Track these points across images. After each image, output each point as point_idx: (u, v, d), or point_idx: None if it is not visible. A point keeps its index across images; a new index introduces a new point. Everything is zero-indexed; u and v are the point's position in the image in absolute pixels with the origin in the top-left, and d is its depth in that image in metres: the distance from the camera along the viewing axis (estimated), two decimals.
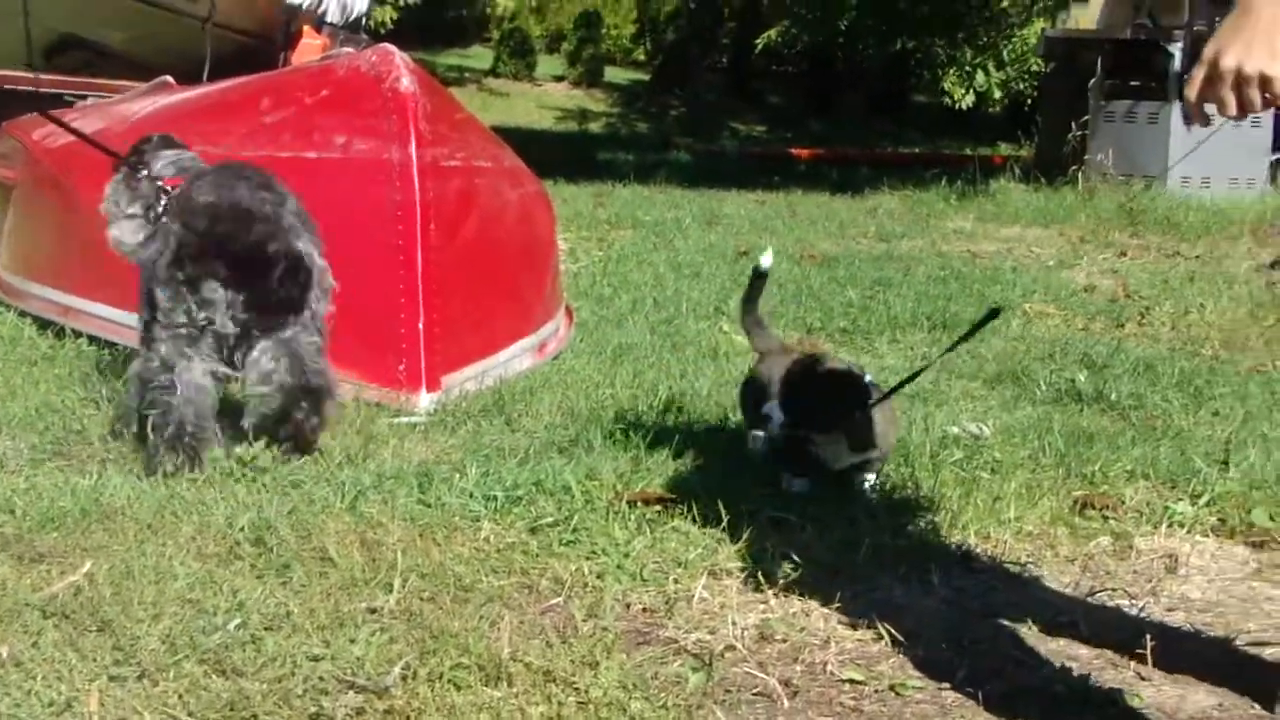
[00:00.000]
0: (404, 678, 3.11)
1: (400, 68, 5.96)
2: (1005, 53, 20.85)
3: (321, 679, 3.11)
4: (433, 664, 3.16)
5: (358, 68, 6.17)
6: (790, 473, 4.64)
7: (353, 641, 3.28)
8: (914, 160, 21.09)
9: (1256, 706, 3.30)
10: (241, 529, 3.95)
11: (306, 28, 12.93)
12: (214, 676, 3.10)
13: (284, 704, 3.00)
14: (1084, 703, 3.27)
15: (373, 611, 3.49)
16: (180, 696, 3.00)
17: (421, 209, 5.72)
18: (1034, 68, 20.70)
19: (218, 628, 3.30)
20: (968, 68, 20.11)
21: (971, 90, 20.31)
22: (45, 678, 3.05)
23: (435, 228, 5.75)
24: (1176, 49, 14.06)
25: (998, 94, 20.89)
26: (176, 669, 3.10)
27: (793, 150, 22.81)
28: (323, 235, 5.22)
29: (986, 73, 20.31)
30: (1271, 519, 4.58)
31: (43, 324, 6.45)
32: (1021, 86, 21.65)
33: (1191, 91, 2.73)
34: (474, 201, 6.16)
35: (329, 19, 13.52)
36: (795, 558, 4.02)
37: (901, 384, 4.71)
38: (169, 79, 7.71)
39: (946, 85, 20.54)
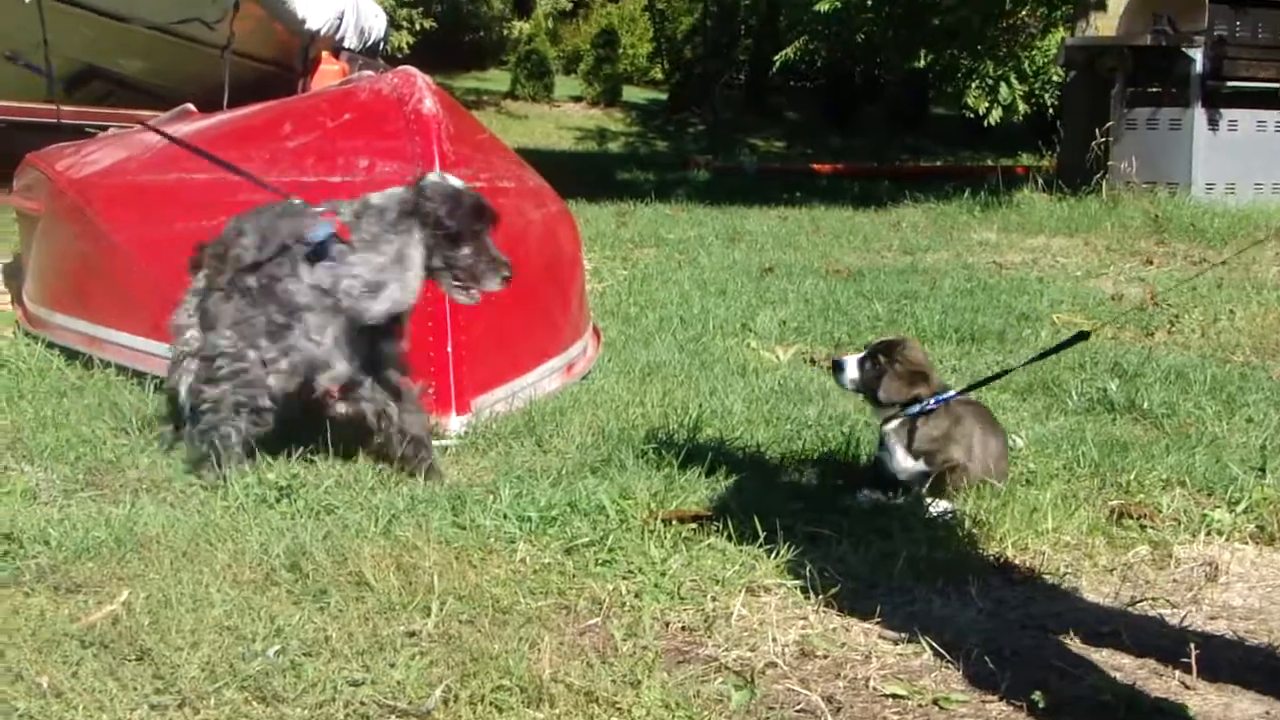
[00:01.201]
0: (445, 701, 3.10)
1: (422, 89, 5.96)
2: (1026, 64, 20.81)
3: (363, 704, 3.10)
4: (474, 686, 3.15)
5: (380, 90, 6.16)
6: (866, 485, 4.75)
7: (392, 666, 3.27)
8: (936, 173, 21.11)
9: None
10: (277, 555, 3.94)
11: (325, 53, 12.98)
12: (255, 704, 3.08)
13: None
14: (1130, 711, 3.24)
15: (411, 635, 3.48)
16: None
17: None
18: (1055, 78, 20.65)
19: (257, 654, 3.29)
20: (989, 80, 20.05)
21: (997, 104, 20.24)
22: (86, 708, 3.04)
23: None
24: (1197, 54, 14.04)
25: (1022, 106, 20.83)
26: (217, 696, 3.09)
27: (813, 165, 22.80)
28: None
29: (1009, 85, 20.25)
30: None
31: (71, 354, 6.46)
32: (1045, 98, 21.60)
33: None
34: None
35: (347, 44, 13.56)
36: (833, 572, 4.00)
37: (966, 389, 4.76)
38: (191, 107, 7.73)
39: (970, 99, 20.46)
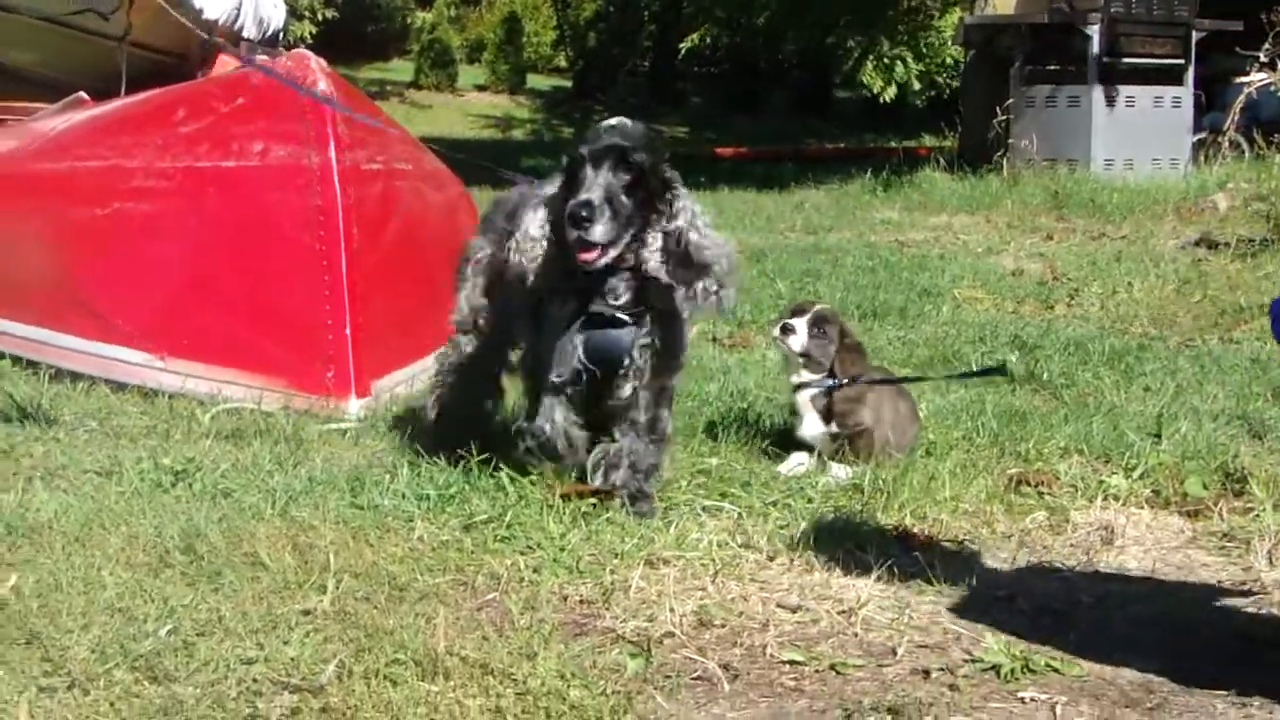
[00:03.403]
0: (339, 676, 3.07)
1: (316, 72, 5.90)
2: (922, 44, 20.88)
3: (255, 681, 3.07)
4: (368, 661, 3.12)
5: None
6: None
7: (286, 643, 3.24)
8: (839, 155, 21.16)
9: (1194, 671, 3.30)
10: (171, 538, 3.89)
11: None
12: (145, 683, 3.04)
13: (218, 707, 2.95)
14: (1026, 671, 3.26)
15: (306, 613, 3.45)
16: (112, 704, 2.94)
17: (343, 213, 5.67)
18: (948, 60, 20.76)
19: (148, 635, 3.25)
20: (885, 59, 20.10)
21: (892, 83, 20.32)
22: None
23: (358, 232, 5.71)
24: (1094, 32, 14.16)
25: (917, 85, 20.93)
26: (107, 677, 3.05)
27: (717, 150, 22.81)
28: (245, 245, 5.23)
29: (905, 64, 20.33)
30: (1205, 488, 4.61)
31: None
32: (940, 78, 21.70)
33: None
34: (396, 204, 6.11)
35: (246, 35, 13.41)
36: (732, 544, 4.00)
37: (879, 380, 4.83)
38: (83, 95, 7.61)
39: (865, 79, 20.53)
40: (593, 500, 4.24)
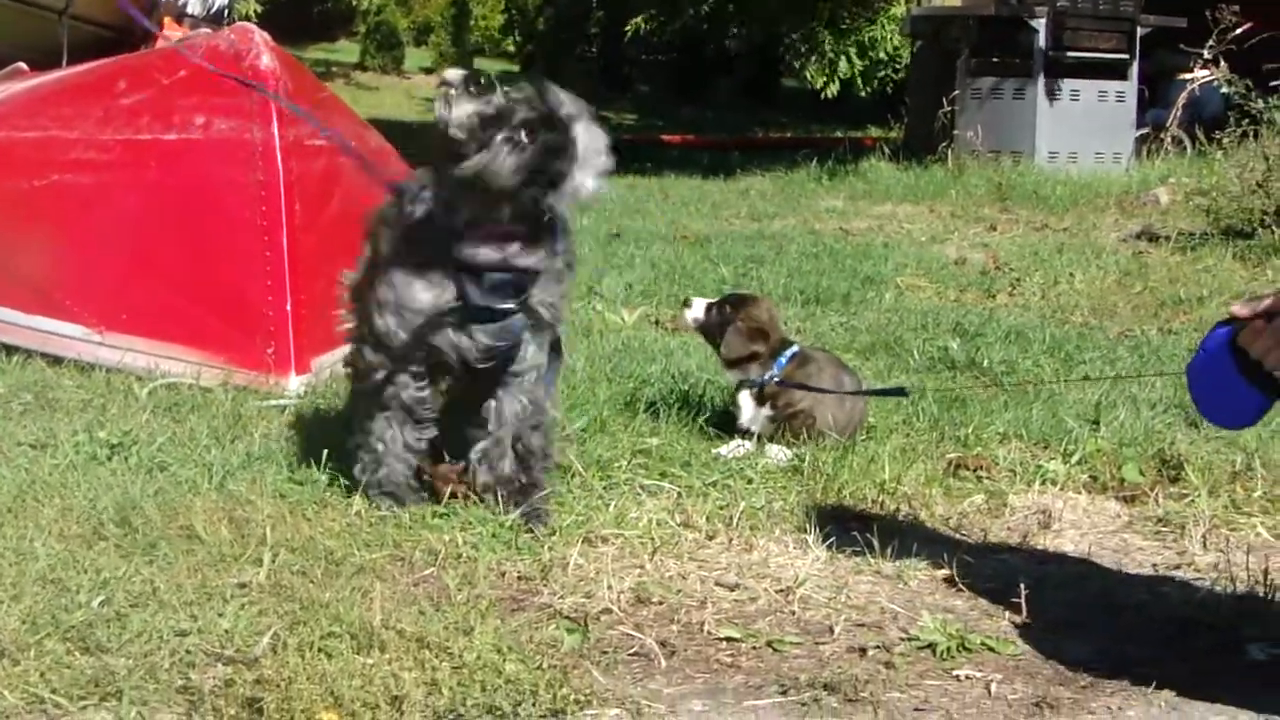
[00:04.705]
0: (273, 648, 3.05)
1: (260, 45, 5.83)
2: (866, 39, 20.88)
3: (189, 652, 3.04)
4: (303, 634, 3.10)
5: (216, 47, 6.03)
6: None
7: (221, 615, 3.21)
8: (785, 144, 21.17)
9: (1128, 652, 3.33)
10: (106, 510, 3.86)
11: (167, 20, 12.72)
12: (77, 654, 3.02)
13: (150, 678, 2.92)
14: (961, 650, 3.28)
15: (241, 586, 3.43)
16: (43, 674, 2.91)
17: (285, 188, 5.62)
18: (885, 56, 20.77)
19: (80, 605, 3.22)
20: (829, 56, 20.08)
21: (835, 79, 20.31)
22: None
23: (300, 207, 5.66)
24: (1040, 25, 14.24)
25: (861, 82, 20.94)
26: (38, 648, 3.02)
27: (664, 136, 22.79)
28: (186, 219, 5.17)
29: (850, 61, 20.33)
30: (1141, 474, 4.64)
31: None
32: (884, 73, 21.71)
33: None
34: (339, 180, 6.05)
35: (190, 11, 13.32)
36: (671, 523, 4.00)
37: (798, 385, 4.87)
38: (23, 66, 7.52)
39: (809, 75, 20.51)
40: None
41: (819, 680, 3.09)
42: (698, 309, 5.03)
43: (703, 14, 22.55)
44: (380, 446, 4.10)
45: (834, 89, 20.51)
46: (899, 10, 19.43)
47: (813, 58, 20.46)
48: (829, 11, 20.02)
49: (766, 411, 4.90)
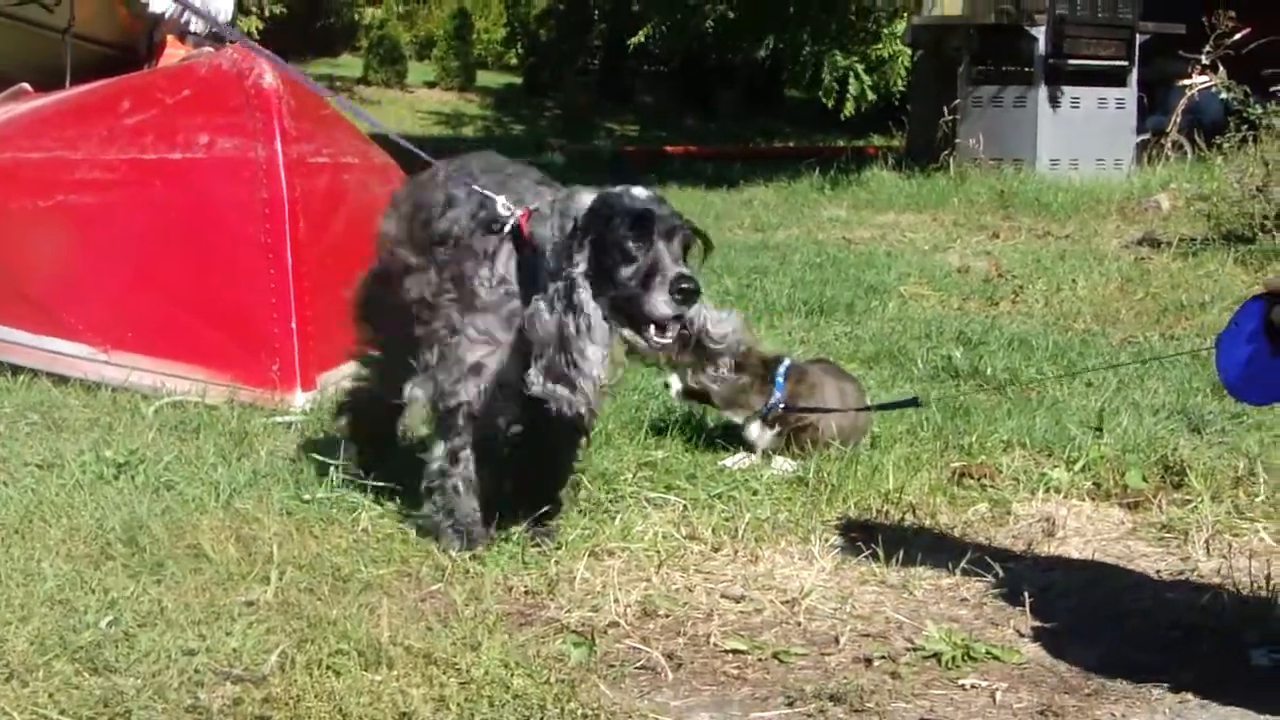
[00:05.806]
0: (281, 666, 3.07)
1: (262, 64, 5.87)
2: (873, 55, 20.85)
3: (198, 671, 3.06)
4: (311, 651, 3.12)
5: (219, 66, 6.06)
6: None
7: (229, 634, 3.23)
8: (788, 154, 21.15)
9: (1132, 659, 3.34)
10: (113, 529, 3.88)
11: (170, 38, 12.74)
12: (86, 674, 3.03)
13: (159, 698, 2.94)
14: (967, 659, 3.29)
15: (249, 604, 3.44)
16: (51, 695, 2.93)
17: (289, 206, 5.64)
18: (887, 68, 20.75)
19: (89, 626, 3.24)
20: (839, 73, 20.05)
21: (849, 98, 20.27)
22: None
23: (304, 225, 5.68)
24: (1040, 33, 14.24)
25: (871, 96, 20.91)
26: (46, 669, 3.03)
27: (667, 148, 22.79)
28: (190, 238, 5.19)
29: (858, 77, 20.30)
30: (1145, 480, 4.65)
31: None
32: (891, 84, 21.69)
33: None
34: (342, 197, 6.08)
35: (193, 29, 13.34)
36: (677, 536, 4.02)
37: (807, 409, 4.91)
38: (26, 86, 7.54)
39: (821, 94, 20.48)
40: None
41: (825, 691, 3.10)
42: (675, 381, 4.99)
43: (706, 30, 22.52)
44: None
45: (850, 108, 20.49)
46: (901, 27, 19.40)
47: (822, 75, 20.43)
48: (835, 28, 20.02)
49: (774, 430, 4.93)
